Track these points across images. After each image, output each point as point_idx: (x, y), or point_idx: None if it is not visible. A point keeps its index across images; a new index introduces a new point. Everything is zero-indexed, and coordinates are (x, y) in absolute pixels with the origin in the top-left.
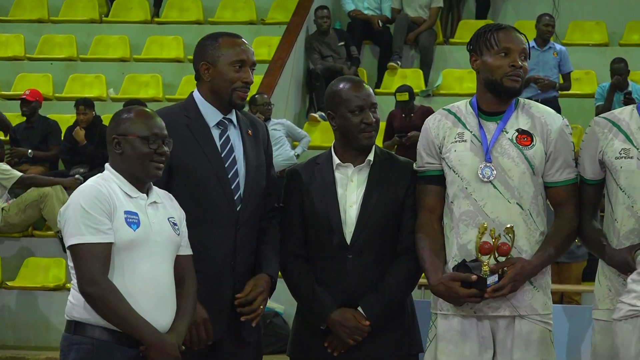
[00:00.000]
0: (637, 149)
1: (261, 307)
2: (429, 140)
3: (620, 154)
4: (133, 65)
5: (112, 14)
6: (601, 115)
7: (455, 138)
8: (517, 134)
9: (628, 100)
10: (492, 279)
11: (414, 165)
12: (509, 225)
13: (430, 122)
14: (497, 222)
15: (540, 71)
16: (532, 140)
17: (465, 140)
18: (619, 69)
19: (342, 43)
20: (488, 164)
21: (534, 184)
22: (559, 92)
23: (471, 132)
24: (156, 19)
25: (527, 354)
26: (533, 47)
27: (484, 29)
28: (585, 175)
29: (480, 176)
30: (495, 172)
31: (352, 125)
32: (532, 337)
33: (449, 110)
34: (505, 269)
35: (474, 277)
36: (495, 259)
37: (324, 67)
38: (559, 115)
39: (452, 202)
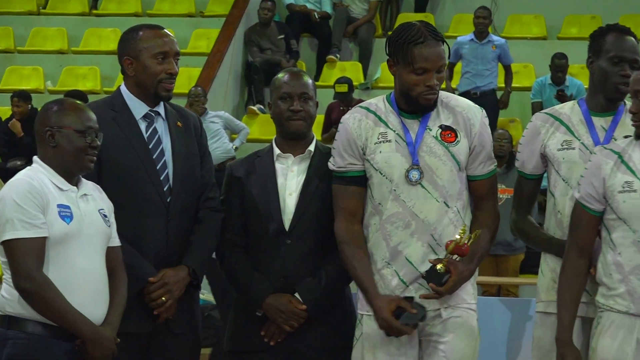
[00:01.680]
0: (579, 140)
1: (163, 298)
2: (350, 140)
3: (562, 145)
4: (71, 57)
5: (50, 6)
6: (542, 111)
7: (378, 138)
8: (440, 130)
9: (560, 97)
10: (446, 277)
11: (330, 164)
12: (462, 227)
13: (349, 121)
14: (426, 222)
15: (479, 64)
16: (456, 136)
17: (389, 141)
18: (561, 65)
19: (282, 36)
20: (415, 167)
21: (460, 180)
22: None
23: (394, 131)
24: (94, 12)
25: (456, 339)
26: (472, 40)
27: (401, 38)
28: (525, 171)
29: (409, 179)
30: (423, 173)
31: (280, 112)
32: (460, 322)
33: (367, 109)
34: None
35: (414, 311)
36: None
37: (263, 60)
38: (478, 107)
39: (379, 203)
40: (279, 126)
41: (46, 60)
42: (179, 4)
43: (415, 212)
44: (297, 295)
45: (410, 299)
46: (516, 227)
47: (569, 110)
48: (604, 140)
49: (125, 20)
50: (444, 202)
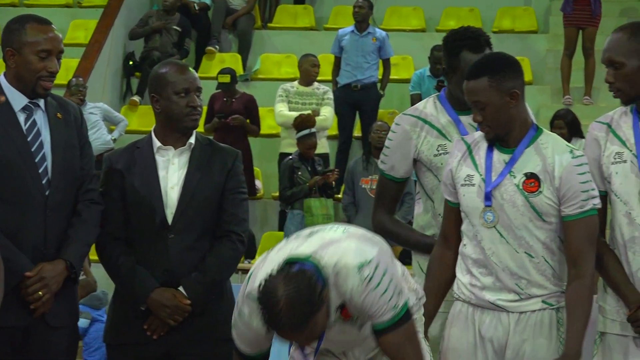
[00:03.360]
0: (451, 142)
1: (40, 292)
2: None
3: (438, 150)
4: None
5: None
6: (405, 112)
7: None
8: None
9: (440, 88)
10: None
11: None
12: None
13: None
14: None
15: (359, 56)
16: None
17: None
18: (439, 57)
19: (179, 29)
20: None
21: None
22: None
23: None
24: None
25: None
26: (352, 31)
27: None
28: (396, 175)
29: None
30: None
31: (178, 107)
32: None
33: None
34: None
35: None
36: None
37: (145, 50)
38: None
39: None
40: (171, 121)
41: None
42: None
43: None
44: (181, 289)
45: None
46: (382, 227)
47: (433, 109)
48: None
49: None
50: None
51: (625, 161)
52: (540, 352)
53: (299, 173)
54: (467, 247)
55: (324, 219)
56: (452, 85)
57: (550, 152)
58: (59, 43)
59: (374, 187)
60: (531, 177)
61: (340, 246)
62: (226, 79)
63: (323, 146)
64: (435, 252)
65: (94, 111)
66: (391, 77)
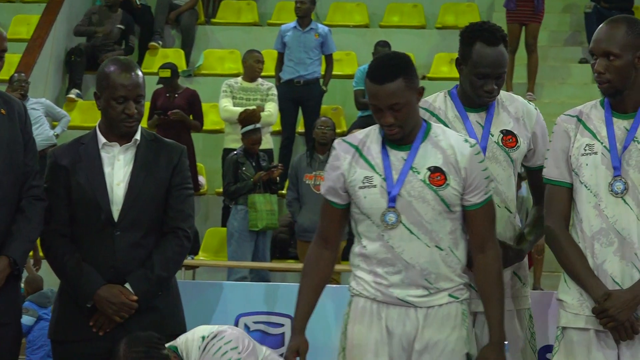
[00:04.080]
0: None
1: None
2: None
3: None
4: None
5: None
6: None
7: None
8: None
9: None
10: None
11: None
12: None
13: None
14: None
15: (302, 52)
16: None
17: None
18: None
19: (122, 27)
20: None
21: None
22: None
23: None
24: None
25: None
26: (295, 27)
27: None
28: None
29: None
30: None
31: (115, 112)
32: None
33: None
34: None
35: None
36: None
37: (89, 45)
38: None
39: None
40: (111, 124)
41: None
42: None
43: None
44: (127, 286)
45: None
46: None
47: (443, 103)
48: (482, 137)
49: None
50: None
51: (595, 153)
52: (449, 345)
53: (243, 168)
54: (368, 248)
55: (267, 215)
56: (462, 77)
57: (446, 144)
58: (4, 42)
59: (318, 182)
60: (436, 170)
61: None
62: (166, 73)
63: (267, 142)
64: (313, 252)
65: (36, 107)
66: (335, 72)
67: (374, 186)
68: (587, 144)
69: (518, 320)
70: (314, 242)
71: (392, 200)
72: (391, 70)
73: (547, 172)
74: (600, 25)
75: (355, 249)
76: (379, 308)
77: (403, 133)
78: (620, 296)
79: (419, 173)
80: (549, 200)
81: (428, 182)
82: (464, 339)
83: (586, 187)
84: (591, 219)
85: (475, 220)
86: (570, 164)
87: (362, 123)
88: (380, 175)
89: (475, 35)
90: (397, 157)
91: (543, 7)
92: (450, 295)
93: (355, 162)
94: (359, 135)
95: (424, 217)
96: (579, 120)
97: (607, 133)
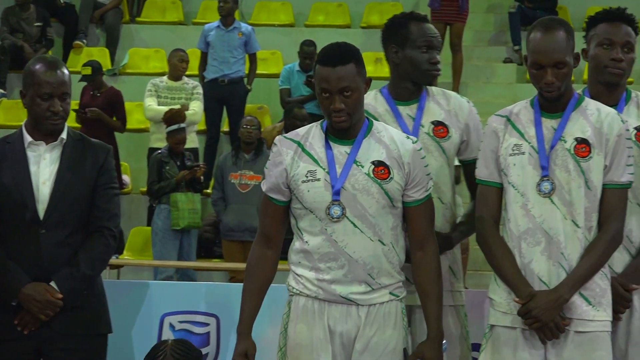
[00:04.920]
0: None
1: None
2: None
3: None
4: None
5: None
6: None
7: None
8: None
9: (309, 83)
10: None
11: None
12: None
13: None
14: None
15: (226, 51)
16: None
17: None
18: (309, 52)
19: (40, 24)
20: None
21: None
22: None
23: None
24: None
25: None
26: (218, 26)
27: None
28: None
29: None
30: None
31: (40, 110)
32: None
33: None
34: None
35: None
36: None
37: (11, 42)
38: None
39: None
40: (36, 122)
41: None
42: None
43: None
44: (53, 284)
45: None
46: None
47: (373, 100)
48: (413, 129)
49: None
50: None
51: (523, 153)
52: (391, 344)
53: (167, 168)
54: (310, 244)
55: (190, 214)
56: (399, 61)
57: (389, 140)
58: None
59: (243, 182)
60: (379, 164)
61: None
62: (87, 70)
63: (192, 141)
64: (256, 253)
65: None
66: (260, 71)
67: (318, 180)
68: (515, 144)
69: (454, 316)
70: (256, 243)
71: (337, 193)
72: (343, 55)
73: (478, 172)
74: (537, 35)
75: (296, 245)
76: (321, 306)
77: (350, 122)
78: (545, 297)
79: (362, 167)
80: (480, 200)
81: (372, 175)
82: (403, 337)
83: (513, 187)
84: (518, 218)
85: (416, 217)
86: (499, 164)
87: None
88: (324, 169)
89: (407, 17)
90: (340, 151)
91: (467, 6)
92: (391, 294)
93: (298, 157)
94: (300, 131)
95: (368, 211)
96: (509, 120)
97: (536, 133)
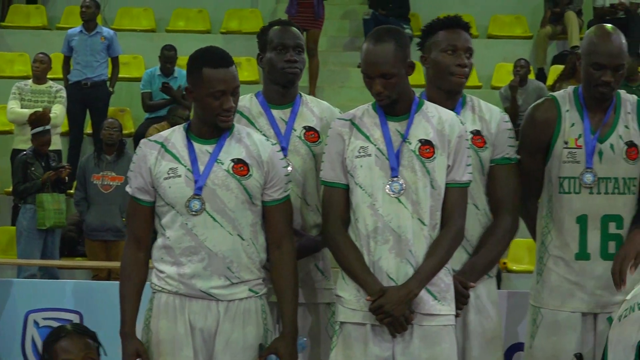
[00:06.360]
0: (262, 133)
1: None
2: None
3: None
4: None
5: None
6: None
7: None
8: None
9: (165, 89)
10: None
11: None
12: None
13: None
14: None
15: (89, 55)
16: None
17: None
18: (170, 57)
19: None
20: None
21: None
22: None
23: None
24: None
25: None
26: (81, 31)
27: None
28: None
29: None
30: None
31: None
32: None
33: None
34: None
35: None
36: None
37: None
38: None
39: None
40: None
41: None
42: None
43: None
44: None
45: None
46: None
47: (248, 102)
48: (285, 132)
49: None
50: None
51: (369, 155)
52: (249, 339)
53: (32, 169)
54: (171, 238)
55: (55, 214)
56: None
57: (250, 141)
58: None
59: (105, 182)
60: (239, 162)
61: None
62: None
63: (55, 143)
64: (129, 256)
65: None
66: (123, 75)
67: (179, 176)
68: (361, 147)
69: (318, 314)
70: (127, 246)
71: (199, 189)
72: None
73: (324, 175)
74: (367, 46)
75: (158, 242)
76: (182, 302)
77: (228, 124)
78: (395, 292)
79: (222, 164)
80: (326, 202)
81: (232, 172)
82: (261, 334)
83: (361, 187)
84: (366, 218)
85: (274, 216)
86: (345, 166)
87: (148, 125)
88: (185, 166)
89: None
90: (202, 150)
91: (323, 13)
92: (250, 290)
93: (161, 157)
94: (163, 134)
95: (227, 205)
96: (353, 123)
97: (383, 136)
